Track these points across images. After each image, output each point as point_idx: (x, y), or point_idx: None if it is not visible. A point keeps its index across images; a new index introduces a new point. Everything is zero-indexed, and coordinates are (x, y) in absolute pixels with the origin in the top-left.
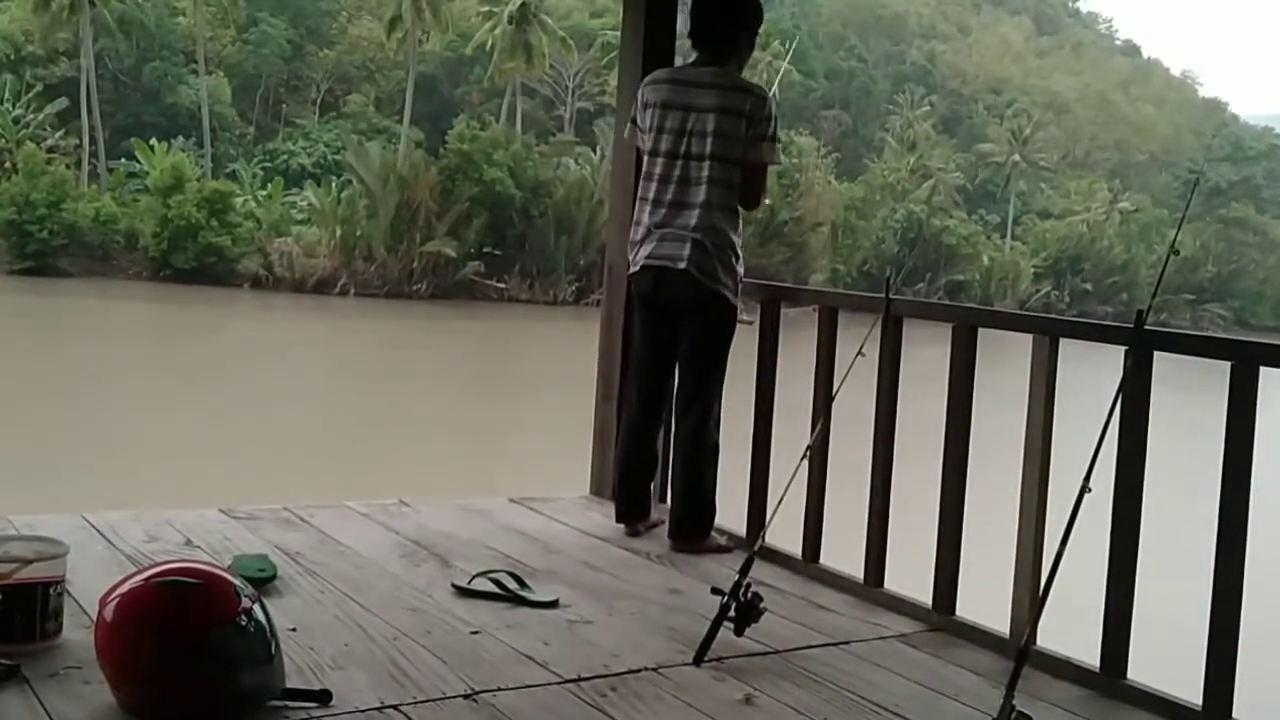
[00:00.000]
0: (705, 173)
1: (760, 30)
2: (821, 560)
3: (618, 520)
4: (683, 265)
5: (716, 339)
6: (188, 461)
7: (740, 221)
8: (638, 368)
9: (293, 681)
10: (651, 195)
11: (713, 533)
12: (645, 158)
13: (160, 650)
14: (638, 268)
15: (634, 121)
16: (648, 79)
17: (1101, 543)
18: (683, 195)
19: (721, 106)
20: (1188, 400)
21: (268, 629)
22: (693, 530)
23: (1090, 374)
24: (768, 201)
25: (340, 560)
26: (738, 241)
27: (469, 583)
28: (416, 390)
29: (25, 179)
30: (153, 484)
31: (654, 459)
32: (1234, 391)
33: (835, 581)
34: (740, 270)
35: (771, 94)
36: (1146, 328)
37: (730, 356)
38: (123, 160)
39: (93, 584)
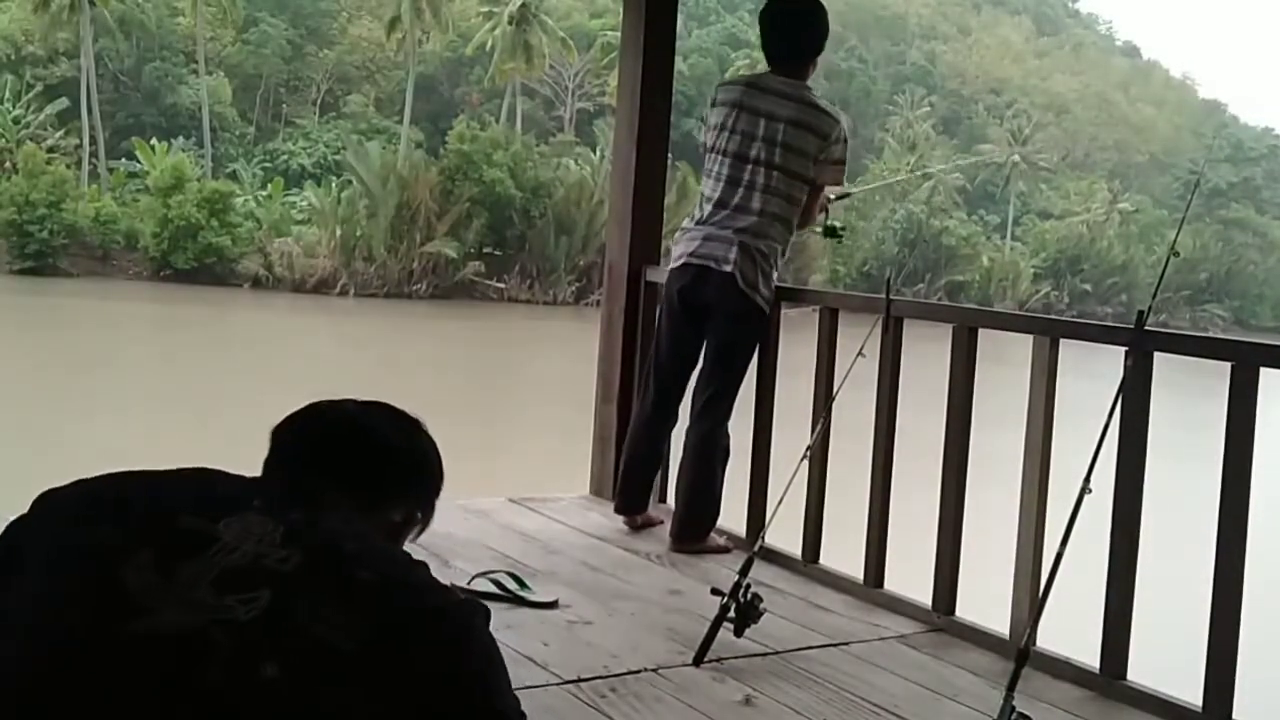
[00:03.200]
0: (768, 180)
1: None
2: (821, 561)
3: (617, 511)
4: (728, 268)
5: (745, 347)
6: (186, 462)
7: (790, 237)
8: (659, 365)
9: None
10: (709, 193)
11: (713, 533)
12: (707, 155)
13: None
14: (678, 263)
15: (702, 120)
16: (721, 82)
17: (1101, 543)
18: (741, 199)
19: (796, 120)
20: (1183, 400)
21: None
22: (696, 531)
23: (1090, 375)
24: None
25: None
26: (782, 254)
27: (469, 583)
28: (416, 390)
29: (25, 179)
30: None
31: (659, 457)
32: (1234, 392)
33: (835, 582)
34: (775, 282)
35: (844, 120)
36: (1147, 328)
37: None
38: (123, 160)
39: None
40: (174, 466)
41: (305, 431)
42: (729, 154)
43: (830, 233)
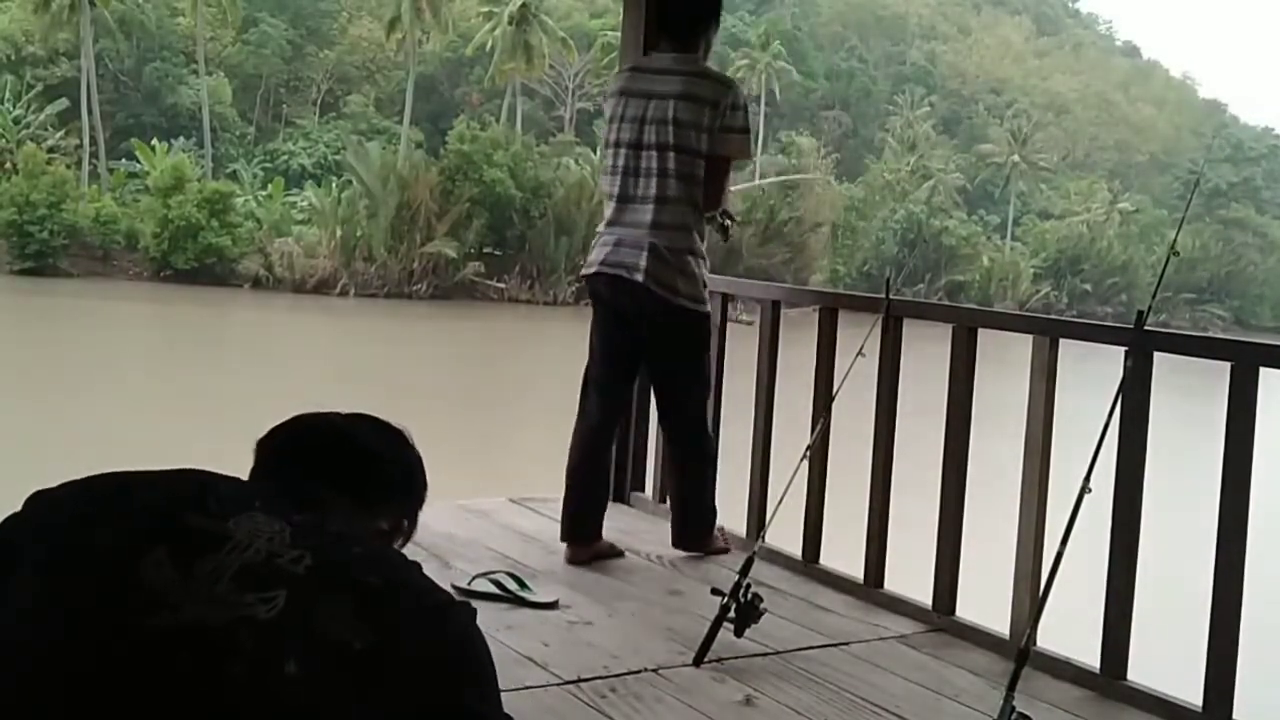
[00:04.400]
0: (664, 164)
1: (720, 19)
2: (821, 561)
3: (562, 539)
4: (639, 277)
5: (687, 354)
6: (183, 462)
7: (703, 219)
8: (595, 377)
9: None
10: (608, 189)
11: (714, 534)
12: (605, 152)
13: None
14: (590, 271)
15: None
16: (617, 70)
17: (1101, 543)
18: (642, 189)
19: (683, 93)
20: (1176, 400)
21: None
22: (695, 542)
23: (1090, 375)
24: (733, 213)
25: None
26: (699, 242)
27: (469, 583)
28: (416, 390)
29: (25, 179)
30: None
31: (608, 475)
32: (1234, 392)
33: (835, 582)
34: (703, 272)
35: (739, 83)
36: (1146, 328)
37: (729, 357)
38: (123, 160)
39: None
40: (164, 468)
41: (292, 441)
42: (623, 144)
43: (720, 228)
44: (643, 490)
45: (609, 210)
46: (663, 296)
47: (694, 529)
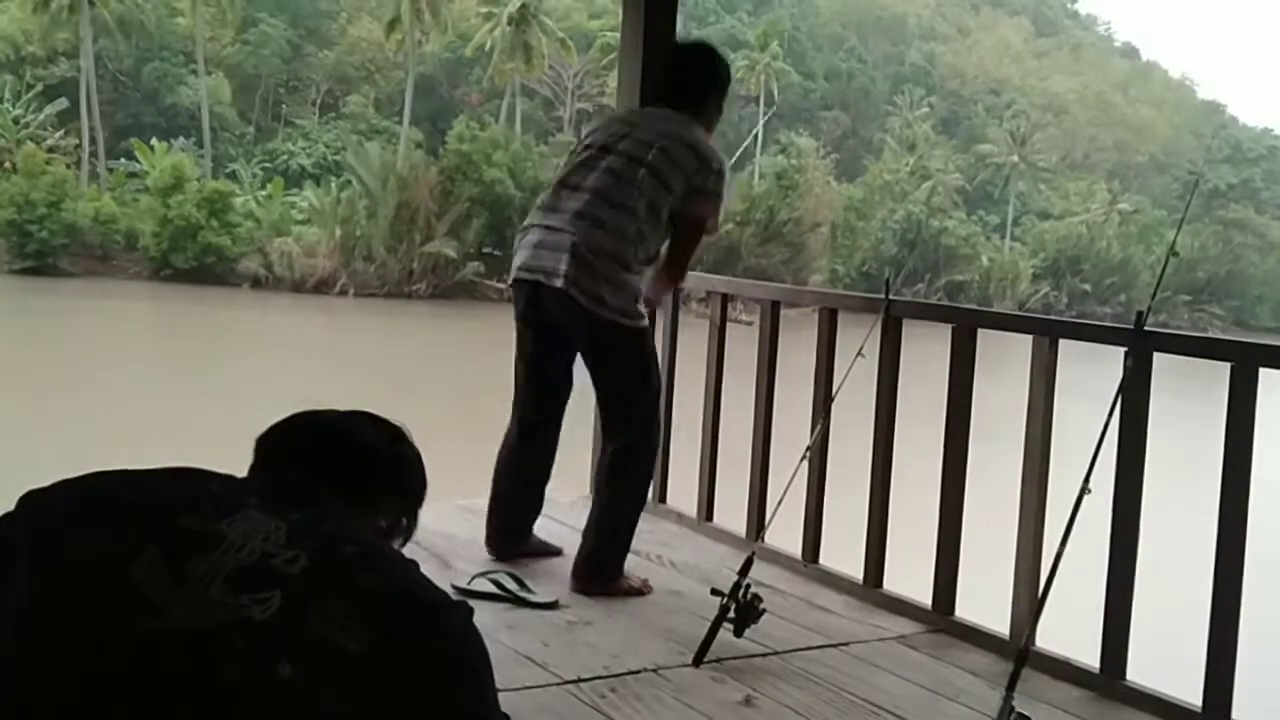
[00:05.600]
0: (626, 172)
1: (727, 94)
2: (821, 561)
3: (485, 542)
4: (559, 283)
5: (620, 376)
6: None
7: (651, 245)
8: (518, 395)
9: None
10: (556, 178)
11: (624, 574)
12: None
13: None
14: (511, 277)
15: None
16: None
17: (1101, 544)
18: (584, 179)
19: (677, 135)
20: (1174, 402)
21: None
22: (594, 573)
23: (1090, 375)
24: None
25: None
26: (636, 257)
27: (469, 583)
28: (415, 390)
29: (25, 179)
30: None
31: (535, 496)
32: (1233, 392)
33: (835, 582)
34: (638, 284)
35: (725, 164)
36: (1146, 329)
37: (727, 359)
38: (122, 160)
39: None
40: (159, 467)
41: (291, 437)
42: (588, 146)
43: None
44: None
45: (544, 199)
46: (587, 307)
47: (595, 561)
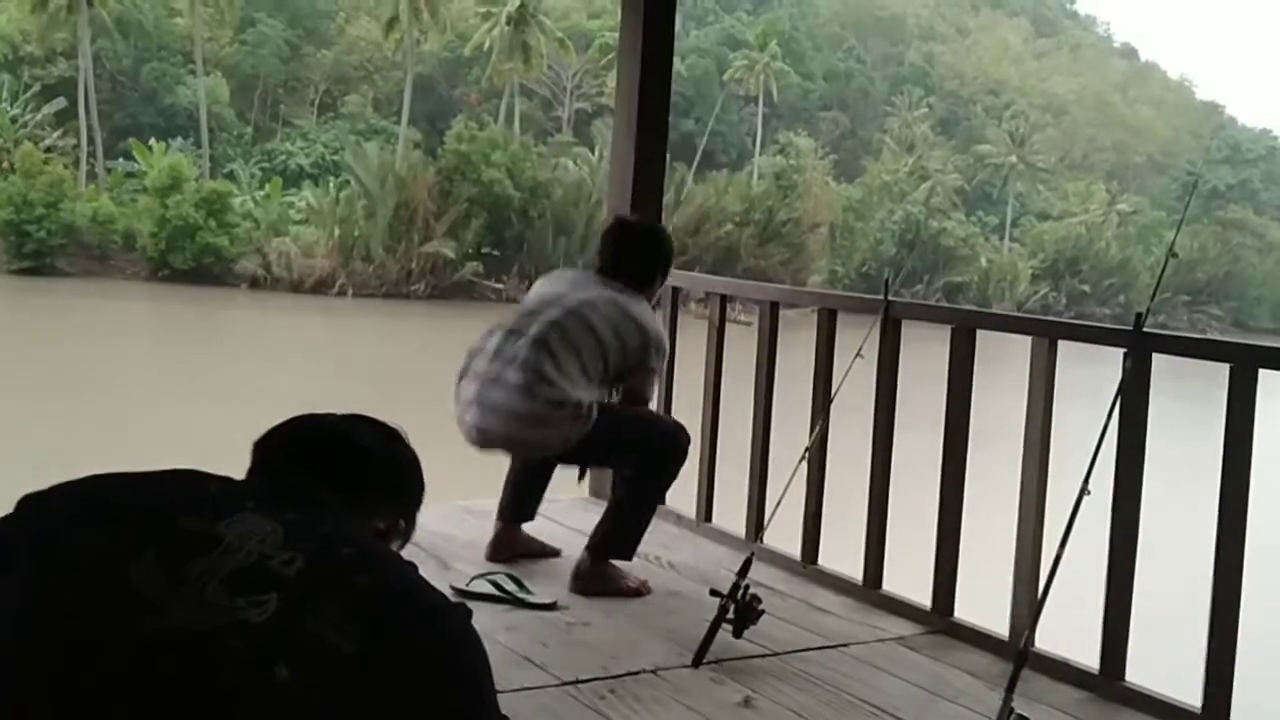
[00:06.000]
0: (557, 331)
1: (669, 269)
2: (820, 562)
3: (498, 517)
4: (519, 447)
5: (604, 452)
6: (182, 462)
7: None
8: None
9: None
10: (501, 321)
11: (624, 574)
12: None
13: None
14: (462, 432)
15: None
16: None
17: (1100, 545)
18: (513, 343)
19: (618, 303)
20: (1171, 403)
21: None
22: (610, 543)
23: (1089, 376)
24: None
25: None
26: (583, 396)
27: (468, 584)
28: (414, 390)
29: (23, 179)
30: None
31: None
32: (1233, 393)
33: (834, 583)
34: (590, 407)
35: (662, 341)
36: (1145, 330)
37: (726, 360)
38: (120, 160)
39: None
40: (157, 468)
41: (288, 440)
42: (522, 311)
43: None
44: None
45: (477, 360)
46: (555, 447)
47: (608, 545)
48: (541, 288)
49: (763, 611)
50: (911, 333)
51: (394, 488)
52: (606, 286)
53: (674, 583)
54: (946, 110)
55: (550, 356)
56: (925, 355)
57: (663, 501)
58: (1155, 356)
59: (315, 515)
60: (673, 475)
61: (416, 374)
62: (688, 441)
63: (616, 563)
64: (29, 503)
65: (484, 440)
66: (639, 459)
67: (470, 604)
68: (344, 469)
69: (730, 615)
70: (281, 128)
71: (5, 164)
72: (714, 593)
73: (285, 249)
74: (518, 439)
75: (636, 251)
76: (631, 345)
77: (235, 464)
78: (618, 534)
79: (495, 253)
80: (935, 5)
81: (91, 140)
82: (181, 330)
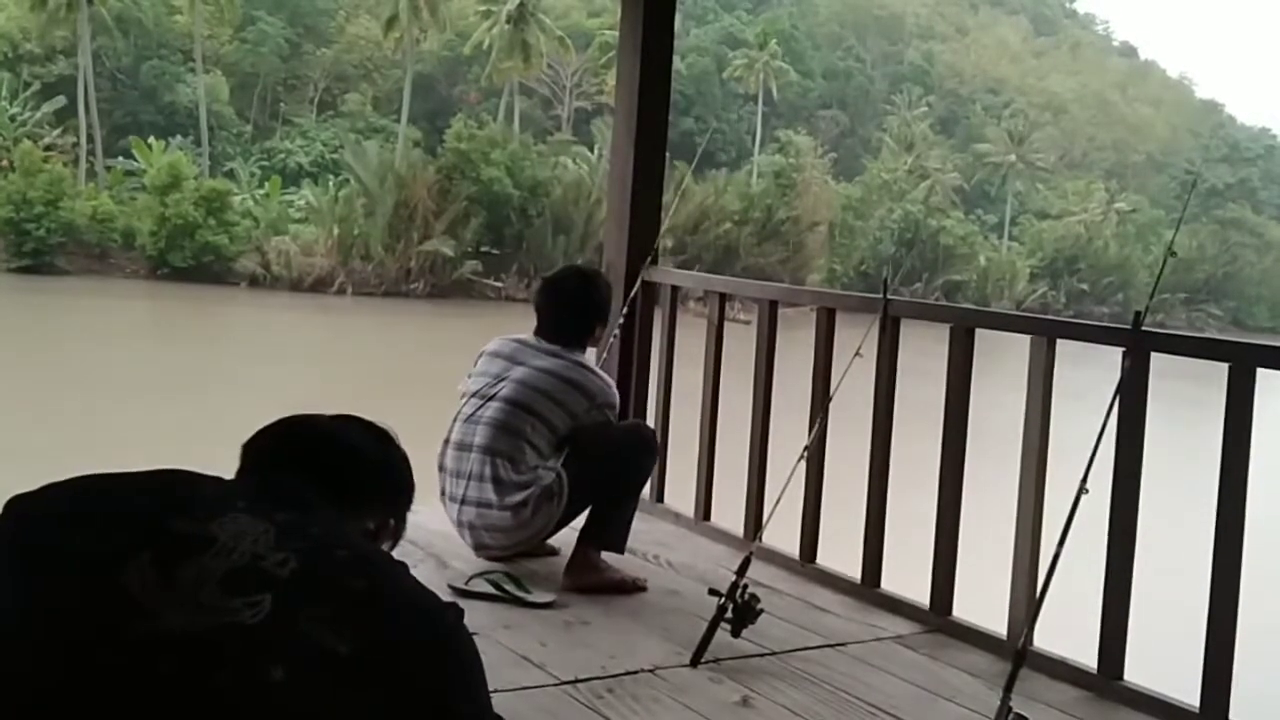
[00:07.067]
0: (506, 419)
1: (608, 316)
2: (818, 561)
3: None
4: (523, 546)
5: (595, 483)
6: (178, 461)
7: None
8: None
9: None
10: (453, 438)
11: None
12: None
13: None
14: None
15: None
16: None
17: (1099, 544)
18: (474, 436)
19: (557, 372)
20: (1169, 404)
21: None
22: (600, 533)
23: (1088, 375)
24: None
25: None
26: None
27: (466, 583)
28: (413, 388)
29: (22, 177)
30: None
31: None
32: (1231, 393)
33: (832, 582)
34: (554, 477)
35: (609, 396)
36: (1144, 329)
37: (725, 358)
38: (120, 159)
39: None
40: (149, 468)
41: (277, 441)
42: (472, 394)
43: None
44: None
45: (439, 463)
46: (545, 531)
47: (611, 525)
48: (483, 366)
49: (761, 611)
50: (910, 331)
51: (384, 488)
52: (542, 353)
53: (672, 582)
54: (945, 109)
55: (507, 460)
56: (924, 354)
57: (657, 498)
58: (1154, 356)
59: (306, 516)
60: (646, 468)
61: (416, 372)
62: (651, 433)
63: (611, 558)
64: (18, 504)
65: (490, 556)
66: (613, 466)
67: (469, 603)
68: (333, 469)
69: (729, 614)
70: (281, 126)
71: (5, 162)
72: (712, 592)
73: (284, 247)
74: (517, 543)
75: (570, 309)
76: (578, 410)
77: (233, 463)
78: (605, 524)
79: (494, 251)
80: (934, 4)
81: (91, 138)
82: (181, 328)
